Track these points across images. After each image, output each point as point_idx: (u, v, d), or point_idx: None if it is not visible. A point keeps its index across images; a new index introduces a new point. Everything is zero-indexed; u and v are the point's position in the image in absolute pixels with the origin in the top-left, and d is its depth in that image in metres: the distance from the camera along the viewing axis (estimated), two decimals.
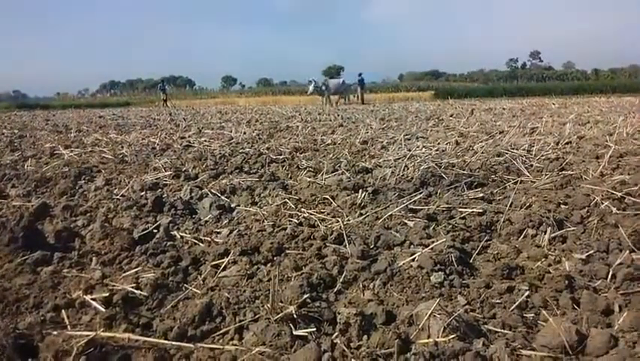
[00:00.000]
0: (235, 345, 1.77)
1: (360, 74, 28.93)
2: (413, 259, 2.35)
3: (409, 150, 5.64)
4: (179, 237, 2.96)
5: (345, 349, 1.68)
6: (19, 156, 6.35)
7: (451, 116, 12.43)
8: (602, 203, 3.19)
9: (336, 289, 2.19)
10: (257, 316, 1.92)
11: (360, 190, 3.80)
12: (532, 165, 4.81)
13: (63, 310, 1.99)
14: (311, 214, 3.27)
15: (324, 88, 26.16)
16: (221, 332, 1.87)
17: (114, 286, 2.21)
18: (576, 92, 35.16)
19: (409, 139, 7.14)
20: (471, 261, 2.48)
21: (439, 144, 6.37)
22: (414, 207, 3.33)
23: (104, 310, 1.98)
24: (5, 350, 1.64)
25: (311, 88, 27.30)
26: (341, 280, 2.25)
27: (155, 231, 3.01)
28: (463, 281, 2.21)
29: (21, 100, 48.95)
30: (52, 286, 2.26)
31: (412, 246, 2.64)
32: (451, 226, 2.97)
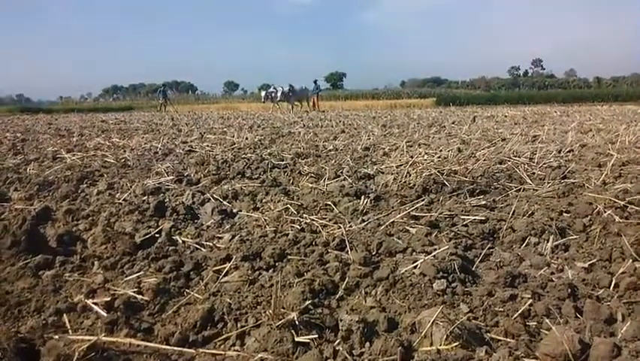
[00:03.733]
0: (237, 351, 1.76)
1: (315, 81, 28.76)
2: (415, 266, 2.35)
3: (411, 157, 5.63)
4: (181, 242, 2.96)
5: (348, 356, 1.67)
6: (21, 159, 6.36)
7: (452, 123, 12.44)
8: (605, 211, 3.18)
9: (338, 296, 2.18)
10: (259, 322, 1.92)
11: (362, 196, 3.80)
12: (534, 173, 4.81)
13: (65, 315, 1.99)
14: (313, 220, 3.27)
15: (290, 95, 25.88)
16: (222, 337, 1.87)
17: (116, 290, 2.21)
18: (578, 100, 35.20)
19: (410, 146, 7.14)
20: (473, 268, 2.48)
21: (441, 151, 6.36)
22: (416, 214, 3.32)
23: (105, 314, 1.98)
24: (7, 353, 1.64)
25: (263, 96, 27.14)
26: (343, 286, 2.25)
27: (157, 235, 3.01)
28: (466, 289, 2.21)
29: (24, 104, 49.21)
30: (53, 290, 2.26)
31: (414, 253, 2.64)
32: (453, 234, 2.97)
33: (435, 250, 2.56)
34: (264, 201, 3.97)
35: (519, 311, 1.95)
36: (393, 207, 3.62)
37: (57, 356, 1.65)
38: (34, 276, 2.40)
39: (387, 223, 3.14)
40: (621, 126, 9.03)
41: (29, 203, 3.96)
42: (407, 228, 3.04)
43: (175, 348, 1.77)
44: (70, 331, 1.88)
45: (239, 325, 1.93)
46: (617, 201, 3.34)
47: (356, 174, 4.91)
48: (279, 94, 25.98)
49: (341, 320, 1.87)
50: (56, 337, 1.79)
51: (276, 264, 2.54)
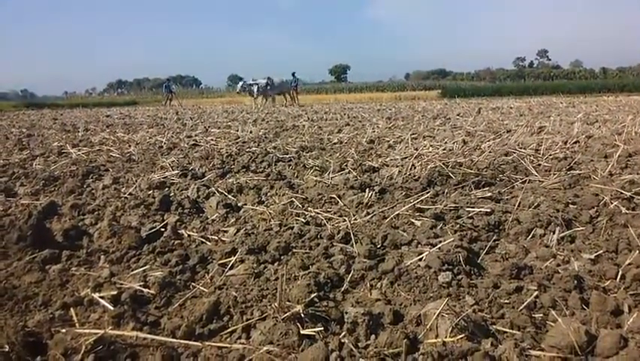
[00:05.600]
0: (243, 344, 1.77)
1: (293, 74, 26.89)
2: (420, 259, 2.35)
3: (416, 149, 5.62)
4: (186, 235, 2.97)
5: (353, 348, 1.67)
6: (27, 154, 6.39)
7: (458, 115, 12.39)
8: (611, 203, 3.16)
9: (343, 289, 2.19)
10: (264, 315, 1.92)
11: (367, 189, 3.80)
12: (540, 165, 4.78)
13: (72, 308, 2.00)
14: (318, 213, 3.27)
15: (267, 88, 24.01)
16: (228, 330, 1.87)
17: (122, 284, 2.22)
18: (584, 90, 34.92)
19: (415, 138, 7.12)
20: (479, 261, 2.47)
21: (446, 143, 6.34)
22: (421, 207, 3.31)
23: (112, 308, 1.99)
24: (14, 347, 1.65)
25: (239, 87, 25.36)
26: (348, 279, 2.25)
27: (162, 229, 3.02)
28: (471, 281, 2.20)
29: (29, 99, 49.23)
30: (60, 285, 2.27)
31: (419, 245, 2.63)
32: (458, 226, 2.96)
33: (440, 242, 2.55)
34: (268, 194, 3.97)
35: (525, 303, 1.95)
36: (398, 200, 3.61)
37: (64, 350, 1.66)
38: (40, 270, 2.42)
39: (392, 216, 3.13)
40: (628, 117, 8.96)
41: (35, 198, 3.98)
42: (412, 220, 3.04)
43: (181, 341, 1.78)
44: (77, 324, 1.89)
45: (244, 318, 1.93)
46: (623, 192, 3.32)
47: (361, 166, 4.90)
48: (255, 88, 24.08)
49: (346, 313, 1.87)
50: (63, 331, 1.80)
51: (282, 257, 2.54)
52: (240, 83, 25.88)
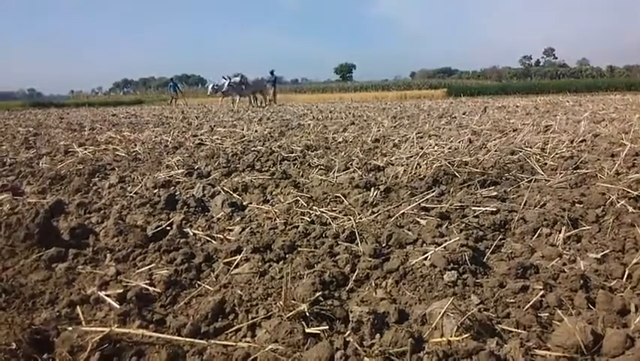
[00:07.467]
0: (248, 342, 1.77)
1: (272, 72, 26.15)
2: (426, 258, 2.34)
3: (422, 148, 5.61)
4: (191, 234, 2.97)
5: (358, 347, 1.67)
6: (34, 153, 6.43)
7: (463, 114, 12.34)
8: (618, 202, 3.14)
9: (348, 288, 2.19)
10: (269, 313, 1.93)
11: (372, 188, 3.79)
12: (546, 164, 4.76)
13: (78, 306, 2.02)
14: (323, 212, 3.27)
15: (243, 87, 22.34)
16: (234, 328, 1.88)
17: (128, 282, 2.23)
18: (591, 89, 34.73)
19: (421, 137, 7.10)
20: (484, 260, 2.46)
21: (451, 142, 6.32)
22: (426, 206, 3.31)
23: (118, 306, 2.00)
24: (21, 345, 1.66)
25: (210, 88, 23.55)
26: (353, 278, 2.25)
27: (168, 228, 3.03)
28: (477, 280, 2.20)
29: (36, 98, 49.52)
30: (67, 283, 2.28)
31: (424, 244, 2.63)
32: (464, 225, 2.95)
33: (445, 241, 2.55)
34: (273, 193, 3.97)
35: (530, 302, 1.94)
36: (403, 199, 3.60)
37: (71, 347, 1.67)
38: (47, 268, 2.43)
39: (397, 215, 3.13)
40: (635, 116, 8.90)
41: (42, 197, 4.00)
42: (417, 219, 3.03)
43: (187, 339, 1.79)
44: (83, 322, 1.90)
45: (250, 316, 1.94)
46: (630, 191, 3.30)
47: (366, 165, 4.90)
48: (225, 85, 22.24)
49: (351, 312, 1.87)
50: (70, 328, 1.81)
51: (287, 256, 2.54)
52: (210, 85, 23.83)
